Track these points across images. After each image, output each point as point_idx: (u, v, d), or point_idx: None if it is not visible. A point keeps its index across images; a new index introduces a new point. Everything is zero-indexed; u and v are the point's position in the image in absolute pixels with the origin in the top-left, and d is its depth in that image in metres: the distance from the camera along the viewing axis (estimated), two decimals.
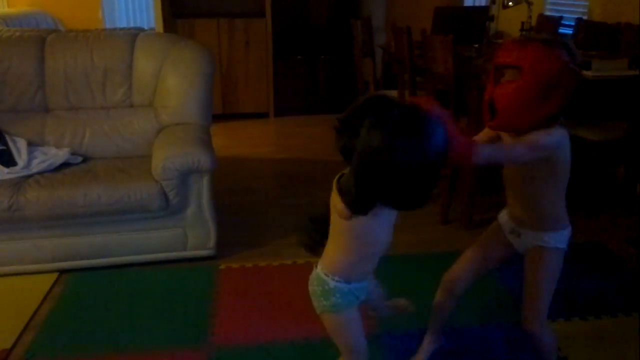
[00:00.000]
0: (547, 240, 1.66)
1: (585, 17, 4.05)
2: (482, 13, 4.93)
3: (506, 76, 1.53)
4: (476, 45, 3.75)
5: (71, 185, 2.61)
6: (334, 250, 1.54)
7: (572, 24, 4.02)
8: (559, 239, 1.67)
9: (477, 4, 5.68)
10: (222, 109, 5.54)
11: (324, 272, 1.54)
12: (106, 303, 2.49)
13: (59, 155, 2.87)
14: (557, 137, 1.54)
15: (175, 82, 3.07)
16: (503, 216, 1.82)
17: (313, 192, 3.77)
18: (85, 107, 3.11)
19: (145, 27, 5.22)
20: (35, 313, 2.40)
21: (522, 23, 3.98)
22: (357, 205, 1.34)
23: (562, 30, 4.15)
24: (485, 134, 1.73)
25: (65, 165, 2.85)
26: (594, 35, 3.78)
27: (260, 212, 3.46)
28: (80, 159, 2.97)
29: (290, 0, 5.50)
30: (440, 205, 3.25)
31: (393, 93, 4.04)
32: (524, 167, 1.63)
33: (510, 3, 4.07)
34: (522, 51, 1.49)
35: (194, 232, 2.79)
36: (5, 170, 2.70)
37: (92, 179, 2.67)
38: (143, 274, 2.73)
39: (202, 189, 2.72)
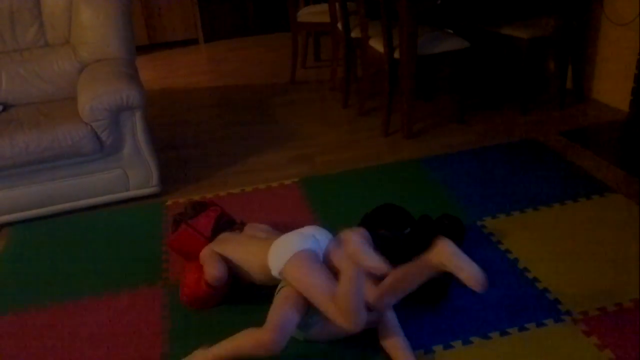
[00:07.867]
0: None
1: None
2: None
3: None
4: None
5: None
6: None
7: None
8: None
9: None
10: (147, 39, 5.26)
11: None
12: (53, 252, 2.43)
13: None
14: None
15: (90, 14, 2.87)
16: None
17: (252, 118, 3.70)
18: None
19: None
20: None
21: None
22: None
23: None
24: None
25: None
26: None
27: (200, 143, 3.39)
28: (0, 107, 2.79)
29: None
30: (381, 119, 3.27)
31: (323, 7, 3.93)
32: None
33: None
34: None
35: (134, 171, 2.71)
36: None
37: (17, 128, 2.53)
38: (88, 219, 2.66)
39: (135, 126, 2.62)
